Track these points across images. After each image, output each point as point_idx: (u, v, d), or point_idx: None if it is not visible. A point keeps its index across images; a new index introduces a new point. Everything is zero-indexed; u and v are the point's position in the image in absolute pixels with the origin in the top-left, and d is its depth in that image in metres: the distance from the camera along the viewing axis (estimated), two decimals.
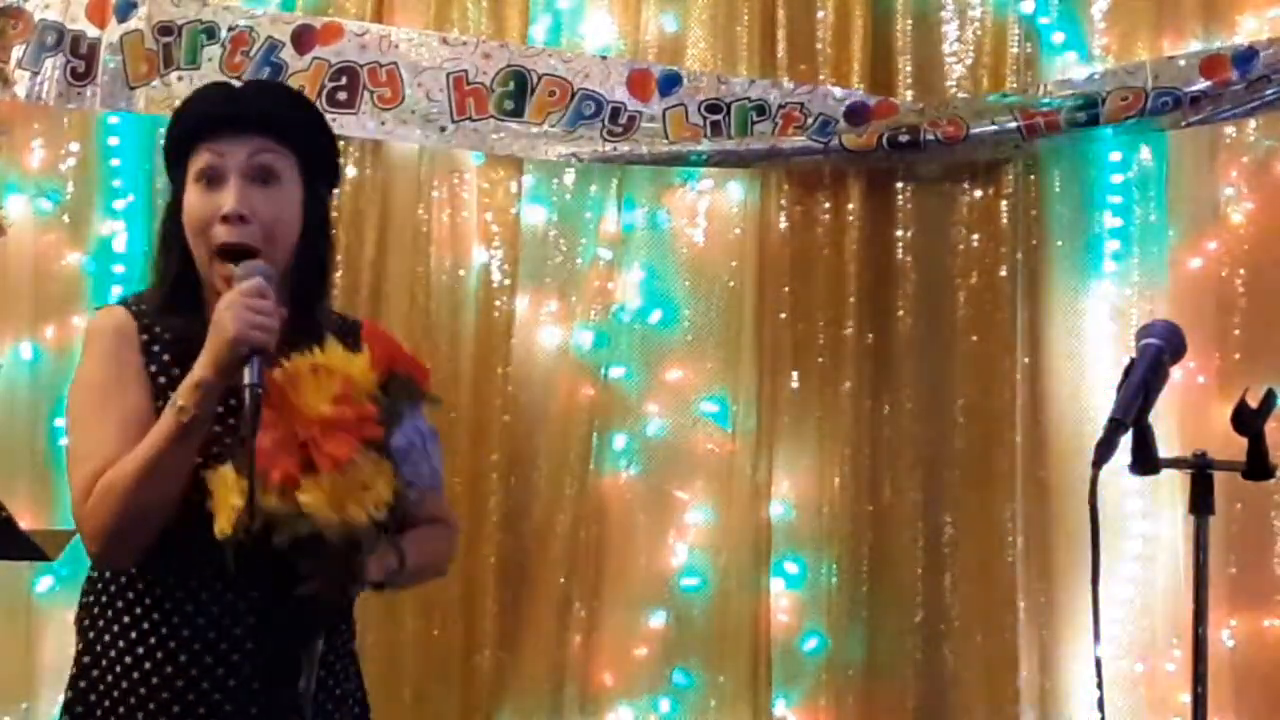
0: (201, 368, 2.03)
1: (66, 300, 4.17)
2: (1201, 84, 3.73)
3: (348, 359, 2.04)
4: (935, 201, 4.01)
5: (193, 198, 2.18)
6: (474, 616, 3.96)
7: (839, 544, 3.92)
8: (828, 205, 3.99)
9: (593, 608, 4.00)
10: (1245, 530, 3.74)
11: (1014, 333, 3.92)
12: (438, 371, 2.58)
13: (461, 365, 4.02)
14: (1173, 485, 3.62)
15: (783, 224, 4.01)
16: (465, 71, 4.00)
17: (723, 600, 3.96)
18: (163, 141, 2.32)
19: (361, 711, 2.32)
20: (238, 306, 2.00)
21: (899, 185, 3.99)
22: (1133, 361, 2.17)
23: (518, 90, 3.99)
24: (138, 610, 2.14)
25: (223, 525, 1.97)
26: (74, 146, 4.19)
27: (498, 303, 4.06)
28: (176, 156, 2.23)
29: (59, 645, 3.82)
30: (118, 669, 2.14)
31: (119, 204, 4.16)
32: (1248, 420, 2.19)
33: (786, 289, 3.99)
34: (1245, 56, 3.72)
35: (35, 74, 4.10)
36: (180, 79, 4.03)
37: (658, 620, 3.99)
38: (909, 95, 3.97)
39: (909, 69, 4.00)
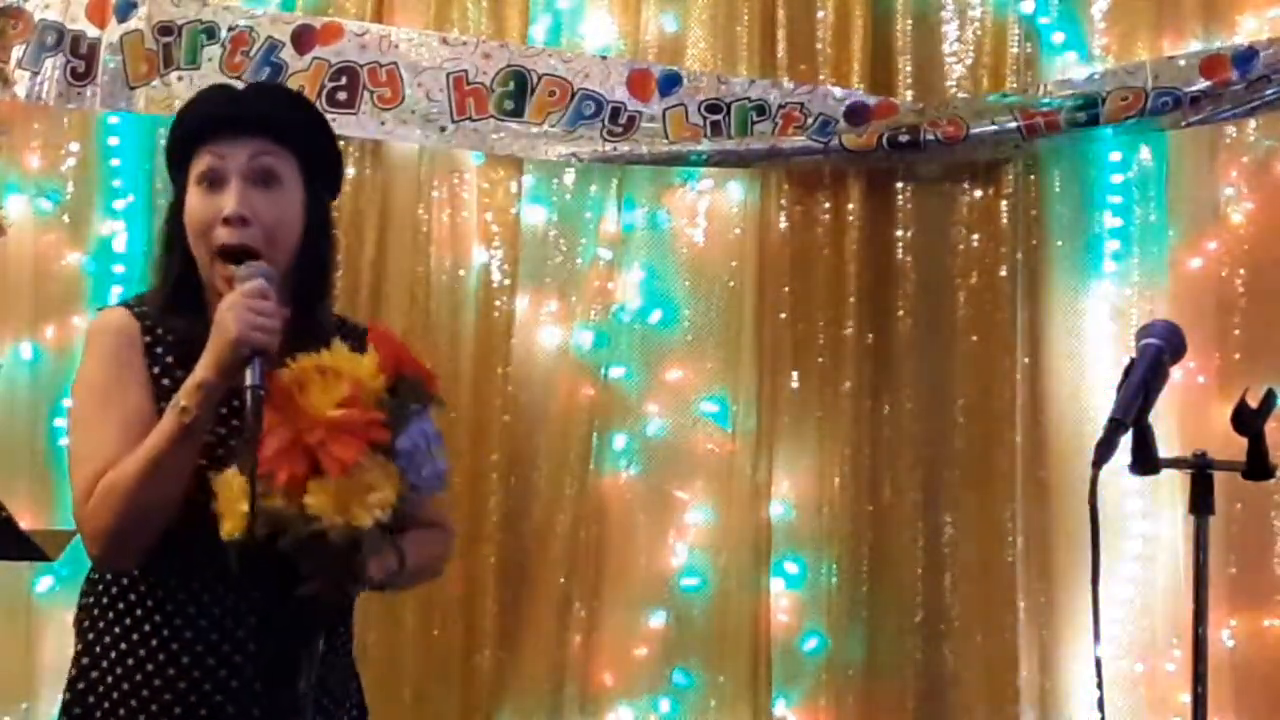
0: (203, 369, 2.03)
1: (66, 300, 4.17)
2: (1201, 84, 3.73)
3: (355, 361, 2.04)
4: (935, 201, 4.01)
5: (194, 200, 2.18)
6: (474, 616, 3.96)
7: (839, 544, 3.92)
8: (828, 205, 3.99)
9: (593, 608, 4.00)
10: (1245, 530, 3.74)
11: (1014, 333, 3.92)
12: (437, 371, 2.57)
13: (461, 365, 4.02)
14: (1173, 485, 3.62)
15: (783, 224, 4.01)
16: (465, 71, 4.00)
17: (723, 600, 3.96)
18: (164, 143, 2.32)
19: (360, 715, 2.32)
20: (239, 308, 2.01)
21: (899, 185, 3.99)
22: (1133, 361, 2.17)
23: (518, 90, 3.99)
24: (139, 612, 2.14)
25: (229, 528, 1.97)
26: (74, 146, 4.19)
27: (498, 303, 4.06)
28: (178, 158, 2.23)
29: (59, 645, 3.81)
30: (118, 671, 2.14)
31: (119, 204, 4.17)
32: (1248, 420, 2.19)
33: (786, 289, 3.99)
34: (1245, 56, 3.72)
35: (35, 74, 4.11)
36: (180, 79, 4.03)
37: (658, 620, 3.99)
38: (909, 95, 3.97)
39: (909, 69, 4.00)
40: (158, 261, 2.27)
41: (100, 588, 2.18)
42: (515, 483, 4.03)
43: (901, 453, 3.95)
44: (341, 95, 4.00)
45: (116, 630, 2.15)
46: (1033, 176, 3.94)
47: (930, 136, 3.83)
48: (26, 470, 4.06)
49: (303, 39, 4.04)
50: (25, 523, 3.00)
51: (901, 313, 3.96)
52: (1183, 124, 3.78)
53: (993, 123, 3.82)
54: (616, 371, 4.05)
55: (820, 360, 3.97)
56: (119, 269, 4.13)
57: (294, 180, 2.20)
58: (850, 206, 3.97)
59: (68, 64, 4.10)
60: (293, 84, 3.89)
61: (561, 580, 3.99)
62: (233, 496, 1.96)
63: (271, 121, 2.20)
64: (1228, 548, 3.71)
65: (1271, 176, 3.87)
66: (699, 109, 3.95)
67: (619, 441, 4.04)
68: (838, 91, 3.93)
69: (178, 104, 3.89)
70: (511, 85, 3.99)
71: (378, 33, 4.04)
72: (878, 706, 3.90)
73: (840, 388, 3.95)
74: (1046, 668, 3.84)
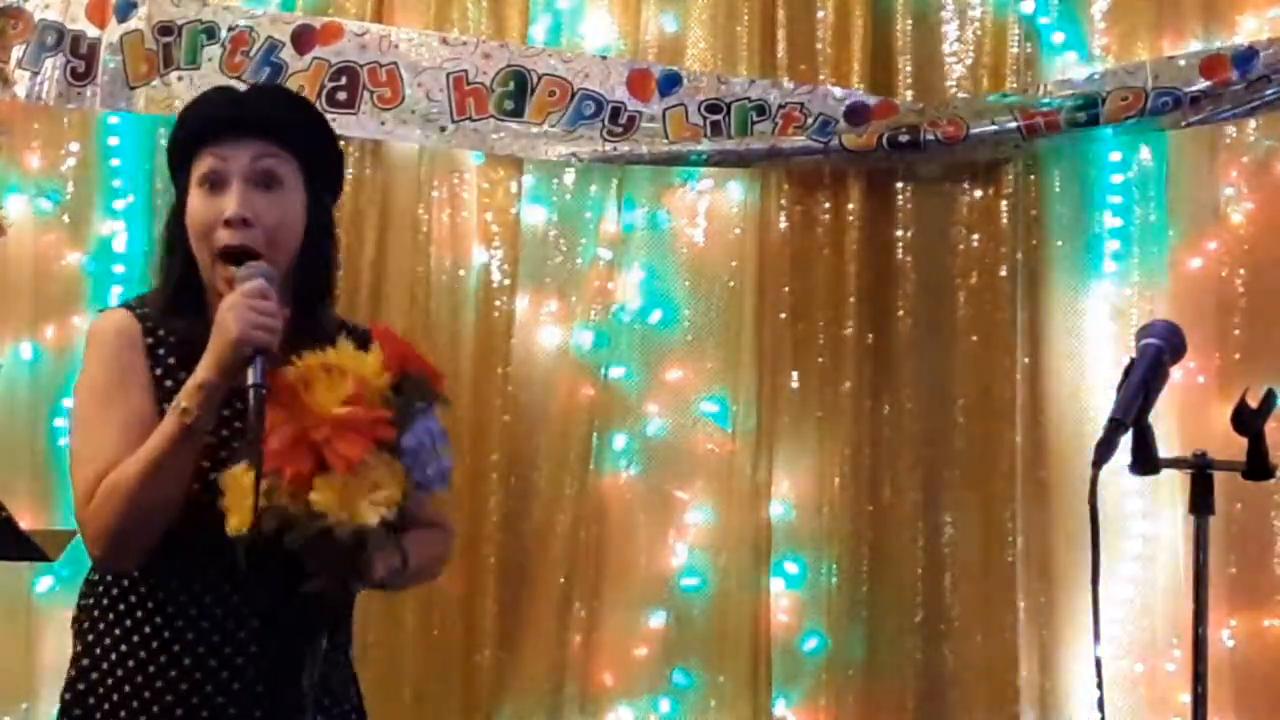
0: (204, 369, 2.03)
1: (66, 300, 4.17)
2: (1201, 84, 3.73)
3: (360, 359, 2.04)
4: (935, 201, 4.01)
5: (196, 202, 2.18)
6: (474, 616, 3.96)
7: (839, 544, 3.92)
8: (828, 205, 4.00)
9: (593, 608, 4.00)
10: (1245, 530, 3.74)
11: (1014, 333, 3.92)
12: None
13: (461, 365, 4.02)
14: (1173, 485, 3.62)
15: (783, 224, 4.01)
16: (465, 71, 4.00)
17: (723, 600, 3.96)
18: (166, 144, 2.32)
19: (359, 715, 2.31)
20: (240, 307, 2.01)
21: (899, 185, 3.99)
22: (1133, 361, 2.17)
23: (518, 90, 3.99)
24: (139, 614, 2.14)
25: (235, 524, 1.97)
26: (74, 146, 4.19)
27: (498, 303, 4.06)
28: (180, 160, 2.23)
29: (59, 645, 3.81)
30: (119, 672, 2.14)
31: (119, 204, 4.16)
32: (1248, 420, 2.19)
33: (786, 289, 3.99)
34: (1245, 56, 3.72)
35: (35, 74, 4.10)
36: (180, 79, 4.04)
37: (658, 620, 4.00)
38: (909, 95, 3.97)
39: (909, 69, 4.00)
40: (159, 263, 2.27)
41: (100, 589, 2.18)
42: (515, 483, 4.03)
43: (901, 453, 3.95)
44: (341, 95, 4.00)
45: (117, 631, 2.15)
46: (1033, 176, 3.94)
47: (930, 136, 3.83)
48: (26, 470, 4.06)
49: (303, 39, 4.04)
50: (25, 523, 3.00)
51: (901, 313, 3.96)
52: (1183, 124, 3.78)
53: (993, 123, 3.82)
54: (616, 371, 4.05)
55: (820, 360, 3.97)
56: (119, 269, 4.13)
57: (295, 182, 2.20)
58: (850, 206, 3.97)
59: (68, 64, 4.10)
60: (293, 84, 3.89)
61: (561, 580, 3.99)
62: (240, 492, 1.96)
63: (273, 123, 2.20)
64: (1228, 548, 3.71)
65: (1271, 176, 3.87)
66: (699, 109, 3.95)
67: (619, 441, 4.04)
68: (838, 91, 3.93)
69: (178, 104, 3.94)
70: (511, 85, 4.00)
71: (378, 33, 4.04)
72: (878, 706, 3.90)
73: (840, 388, 3.95)
74: (1046, 668, 3.84)
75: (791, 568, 3.97)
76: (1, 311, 4.16)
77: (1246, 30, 3.86)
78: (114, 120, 4.17)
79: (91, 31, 4.10)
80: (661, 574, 4.00)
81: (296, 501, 1.95)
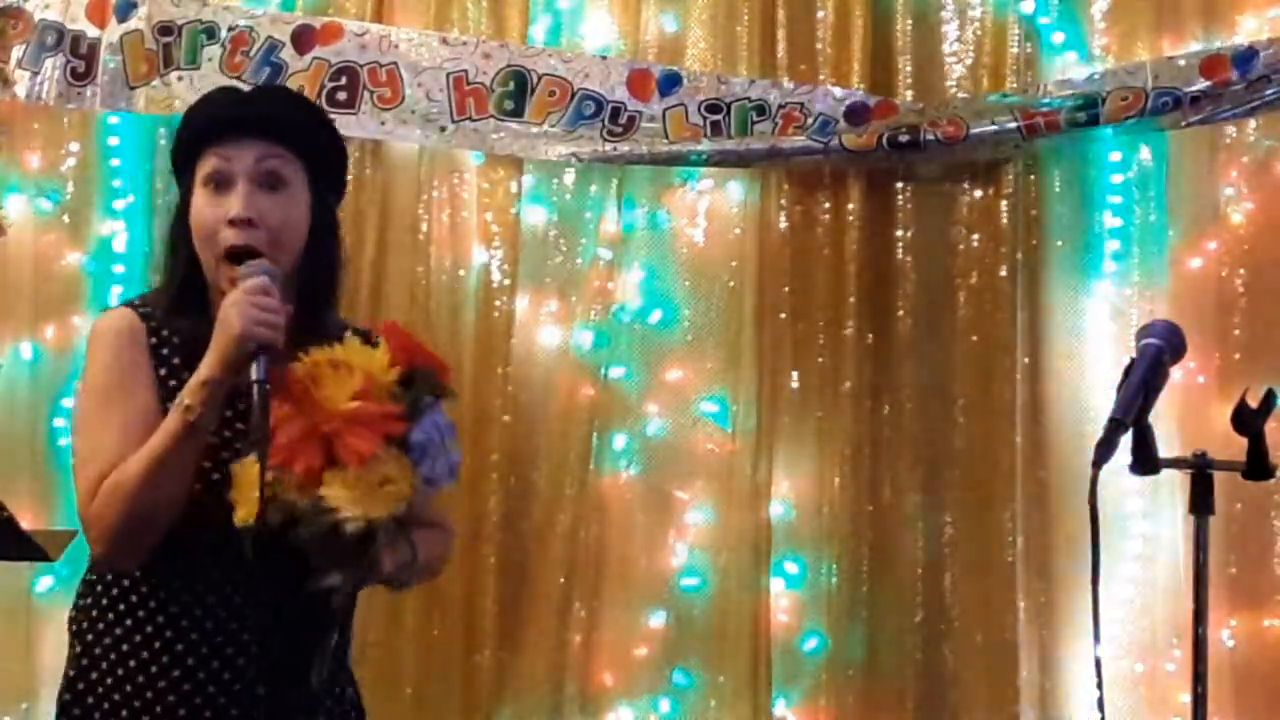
0: (208, 366, 2.03)
1: (66, 300, 4.17)
2: (1201, 84, 3.73)
3: (368, 354, 2.04)
4: (935, 201, 4.01)
5: (200, 202, 2.17)
6: (474, 616, 3.96)
7: (839, 544, 3.92)
8: (828, 205, 4.00)
9: (593, 608, 4.00)
10: (1245, 530, 3.74)
11: (1014, 333, 3.92)
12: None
13: (461, 365, 4.01)
14: (1173, 485, 3.62)
15: (783, 224, 4.01)
16: (465, 71, 4.00)
17: (723, 600, 3.96)
18: (170, 144, 2.32)
19: (358, 715, 2.32)
20: (243, 304, 2.01)
21: (899, 185, 3.99)
22: (1133, 361, 2.17)
23: (518, 90, 3.99)
24: (141, 613, 2.14)
25: (242, 515, 1.97)
26: (74, 146, 4.19)
27: (498, 303, 4.06)
28: (184, 160, 2.23)
29: (59, 645, 3.74)
30: (119, 671, 2.14)
31: (119, 204, 4.16)
32: (1248, 420, 2.19)
33: (786, 289, 3.99)
34: (1245, 56, 3.72)
35: (35, 74, 4.10)
36: (180, 79, 4.04)
37: (658, 620, 4.00)
38: (909, 95, 3.97)
39: (909, 69, 4.00)
40: (162, 262, 2.27)
41: (99, 589, 2.18)
42: (515, 483, 4.03)
43: (901, 453, 3.95)
44: (341, 95, 4.00)
45: (118, 631, 2.15)
46: (1033, 176, 3.94)
47: (930, 136, 3.83)
48: (26, 470, 4.06)
49: (303, 39, 4.04)
50: (25, 523, 2.98)
51: (901, 313, 3.96)
52: (1183, 124, 3.78)
53: (993, 123, 3.82)
54: (616, 371, 4.05)
55: (820, 360, 3.97)
56: (119, 269, 4.13)
57: (300, 183, 2.20)
58: (850, 206, 3.97)
59: (68, 64, 4.10)
60: (293, 84, 3.90)
61: (561, 580, 3.99)
62: (249, 484, 1.96)
63: (278, 124, 2.20)
64: (1228, 548, 3.71)
65: (1271, 176, 3.87)
66: (699, 109, 3.95)
67: (619, 441, 4.04)
68: (838, 91, 3.93)
69: (178, 104, 3.96)
70: (511, 85, 3.99)
71: (378, 33, 4.04)
72: (878, 706, 3.90)
73: (840, 388, 3.95)
74: (1046, 668, 3.84)
75: (791, 568, 3.97)
76: (1, 311, 4.16)
77: (1246, 30, 3.86)
78: (114, 120, 4.17)
79: (91, 31, 4.10)
80: (661, 574, 4.00)
81: (306, 495, 1.95)
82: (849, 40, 3.99)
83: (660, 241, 4.08)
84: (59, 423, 4.04)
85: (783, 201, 4.00)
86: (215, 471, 2.07)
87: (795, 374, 3.99)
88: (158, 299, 2.23)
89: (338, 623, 2.12)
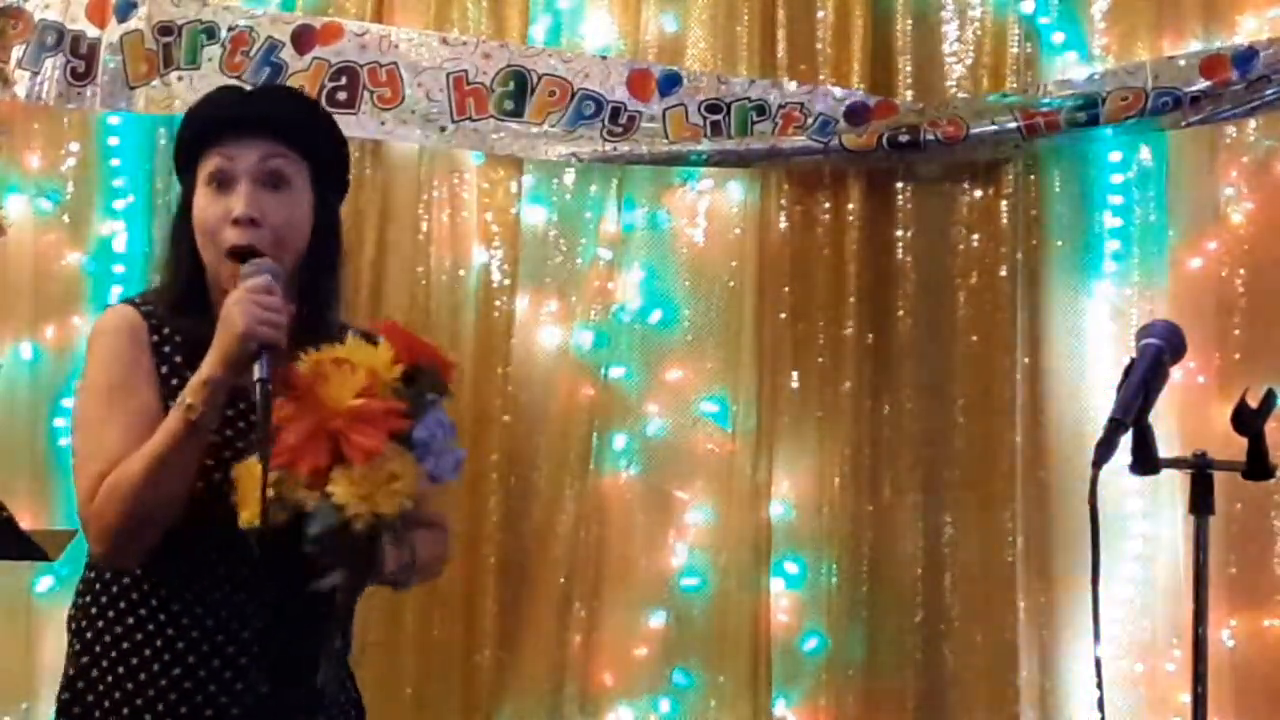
0: (210, 365, 2.03)
1: (66, 300, 4.17)
2: (1201, 84, 3.73)
3: (371, 352, 2.05)
4: (935, 201, 4.01)
5: (203, 201, 2.18)
6: (474, 616, 3.96)
7: (839, 544, 3.92)
8: (828, 205, 4.00)
9: (593, 608, 4.00)
10: (1245, 530, 3.74)
11: (1014, 333, 3.92)
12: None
13: (462, 365, 3.99)
14: (1173, 485, 3.62)
15: (783, 224, 4.01)
16: (465, 71, 4.00)
17: (723, 600, 3.96)
18: (172, 144, 2.32)
19: (358, 715, 2.32)
20: (245, 302, 2.01)
21: (899, 185, 3.99)
22: (1133, 361, 2.17)
23: (518, 90, 3.99)
24: (142, 612, 2.14)
25: (247, 516, 1.96)
26: (74, 146, 4.19)
27: (498, 303, 4.06)
28: (187, 159, 2.23)
29: (59, 645, 3.73)
30: (120, 671, 2.14)
31: (119, 204, 4.16)
32: (1248, 420, 2.19)
33: (786, 289, 3.99)
34: (1245, 56, 3.72)
35: (35, 74, 4.10)
36: (180, 79, 4.03)
37: (658, 620, 4.00)
38: (909, 95, 3.97)
39: (909, 69, 4.00)
40: (165, 261, 2.27)
41: (99, 588, 2.18)
42: (515, 483, 4.03)
43: (901, 453, 3.95)
44: (341, 95, 4.00)
45: (118, 630, 2.15)
46: (1033, 176, 3.94)
47: (930, 136, 3.83)
48: (26, 470, 4.06)
49: (303, 39, 4.04)
50: (25, 523, 3.00)
51: (901, 313, 3.96)
52: (1183, 124, 3.78)
53: (993, 123, 3.82)
54: (616, 371, 4.05)
55: (820, 360, 3.97)
56: (119, 269, 4.13)
57: (303, 182, 2.20)
58: (850, 206, 3.97)
59: (68, 64, 4.10)
60: (293, 84, 3.89)
61: (561, 580, 3.99)
62: (253, 485, 1.96)
63: (281, 123, 2.20)
64: (1228, 548, 3.71)
65: (1271, 176, 3.87)
66: (699, 109, 3.95)
67: (619, 441, 4.04)
68: (838, 91, 3.93)
69: (178, 104, 3.96)
70: (511, 85, 3.99)
71: (378, 33, 4.04)
72: (878, 706, 3.90)
73: (840, 388, 3.95)
74: (1046, 668, 3.84)
75: (791, 568, 3.97)
76: (1, 311, 4.16)
77: (1246, 30, 3.86)
78: (114, 120, 4.17)
79: (91, 31, 4.10)
80: (661, 574, 4.00)
81: (313, 494, 1.95)
82: (849, 40, 3.99)
83: (660, 241, 4.08)
84: (59, 423, 4.04)
85: (783, 201, 4.00)
86: (217, 470, 2.07)
87: (795, 374, 3.99)
88: (159, 297, 2.23)
89: (340, 622, 2.12)
